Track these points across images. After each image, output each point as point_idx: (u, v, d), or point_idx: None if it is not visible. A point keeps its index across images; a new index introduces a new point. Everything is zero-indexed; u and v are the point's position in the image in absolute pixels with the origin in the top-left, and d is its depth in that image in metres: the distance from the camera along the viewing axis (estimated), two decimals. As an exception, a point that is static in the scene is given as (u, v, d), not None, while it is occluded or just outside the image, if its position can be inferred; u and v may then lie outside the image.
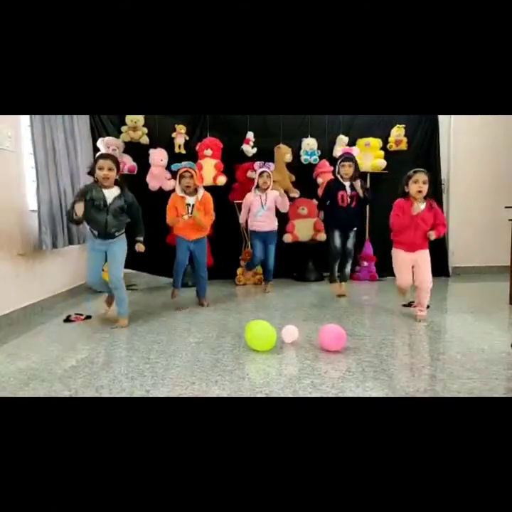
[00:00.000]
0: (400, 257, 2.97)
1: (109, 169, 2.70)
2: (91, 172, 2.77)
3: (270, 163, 4.05)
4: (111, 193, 2.76)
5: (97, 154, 2.98)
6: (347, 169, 3.58)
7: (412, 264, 2.94)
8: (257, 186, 3.93)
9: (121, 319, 2.90)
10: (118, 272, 2.84)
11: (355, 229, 3.81)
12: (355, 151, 4.11)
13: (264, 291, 4.14)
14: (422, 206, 2.84)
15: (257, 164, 4.09)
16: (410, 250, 2.91)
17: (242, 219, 4.17)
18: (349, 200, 3.62)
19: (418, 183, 2.80)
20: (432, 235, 2.83)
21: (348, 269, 3.86)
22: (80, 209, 2.67)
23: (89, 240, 2.93)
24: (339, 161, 3.69)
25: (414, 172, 2.85)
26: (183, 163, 3.31)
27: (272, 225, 3.98)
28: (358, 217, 3.82)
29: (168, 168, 4.46)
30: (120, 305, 2.91)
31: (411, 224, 2.84)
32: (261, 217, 3.92)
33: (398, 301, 3.22)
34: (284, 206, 3.95)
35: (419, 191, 2.80)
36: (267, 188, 3.90)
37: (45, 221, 3.24)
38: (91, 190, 2.75)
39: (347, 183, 3.62)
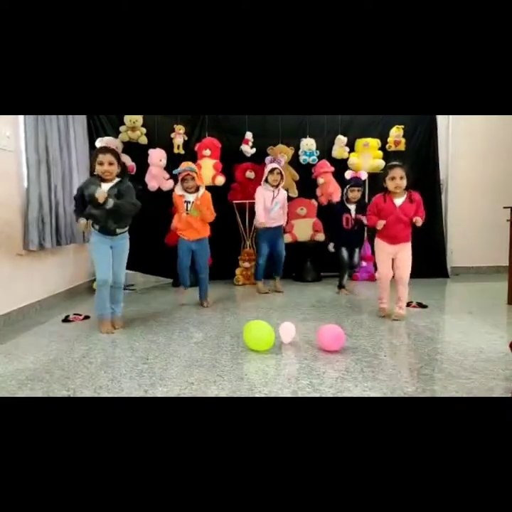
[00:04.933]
0: (381, 248, 2.99)
1: (110, 164, 2.59)
2: (92, 170, 2.72)
3: (281, 159, 4.02)
4: (107, 186, 2.63)
5: (96, 148, 2.91)
6: (356, 194, 3.88)
7: (392, 256, 2.97)
8: (266, 181, 3.84)
9: (116, 321, 2.83)
10: (122, 272, 2.80)
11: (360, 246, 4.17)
12: (363, 175, 4.21)
13: (274, 289, 4.13)
14: (402, 199, 2.88)
15: (268, 159, 4.06)
16: (393, 243, 2.93)
17: (259, 216, 3.86)
18: (353, 222, 3.92)
19: (395, 180, 2.82)
20: (419, 221, 2.86)
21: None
22: (82, 227, 2.68)
23: (93, 234, 2.73)
24: (348, 186, 3.92)
25: (391, 168, 2.86)
26: (184, 167, 3.30)
27: (281, 220, 3.99)
28: (361, 237, 4.15)
29: (166, 168, 4.47)
30: (118, 304, 2.86)
31: (393, 219, 2.86)
32: (274, 214, 3.87)
33: (380, 314, 3.06)
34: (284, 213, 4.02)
35: (397, 187, 2.83)
36: (278, 185, 3.85)
37: (34, 221, 3.21)
38: (88, 186, 2.62)
39: (352, 207, 3.90)
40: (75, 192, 3.85)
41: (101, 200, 2.54)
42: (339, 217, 3.96)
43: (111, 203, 2.57)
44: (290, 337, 2.41)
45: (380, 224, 2.88)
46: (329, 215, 4.35)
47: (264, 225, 3.87)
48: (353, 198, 3.89)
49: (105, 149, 2.67)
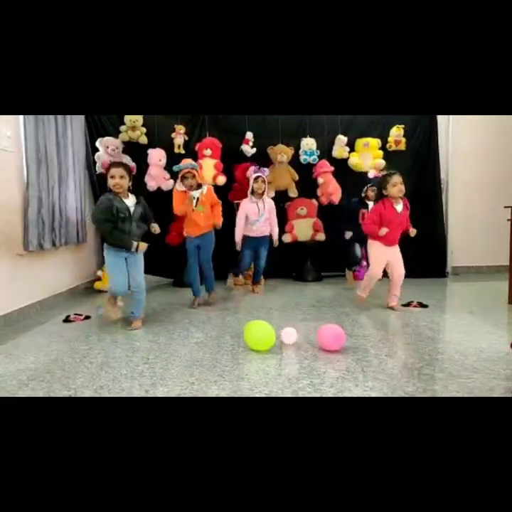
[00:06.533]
0: (378, 249, 3.15)
1: (121, 177, 2.66)
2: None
3: (265, 169, 4.05)
4: (131, 202, 2.76)
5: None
6: (376, 193, 4.02)
7: (387, 258, 3.14)
8: (252, 191, 3.85)
9: (137, 321, 2.87)
10: (141, 277, 2.85)
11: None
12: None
13: (252, 291, 4.10)
14: (401, 206, 3.07)
15: (251, 169, 4.08)
16: (389, 245, 3.11)
17: (238, 234, 3.89)
18: None
19: (398, 185, 2.98)
20: (414, 232, 3.11)
21: None
22: (143, 248, 2.80)
23: (108, 248, 2.79)
24: (369, 185, 4.18)
25: (391, 175, 3.02)
26: (185, 164, 3.29)
27: (266, 231, 3.96)
28: None
29: (166, 168, 4.47)
30: (138, 307, 2.89)
31: (394, 225, 3.03)
32: (258, 226, 3.87)
33: (360, 303, 3.31)
34: (273, 224, 3.96)
35: (400, 191, 3.00)
36: (263, 192, 3.84)
37: (33, 221, 3.22)
38: (113, 202, 2.66)
39: (371, 203, 4.05)
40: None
41: (157, 231, 2.92)
42: (356, 212, 4.16)
43: (144, 246, 2.82)
44: (291, 342, 2.40)
45: (383, 231, 3.00)
46: (346, 210, 4.50)
47: (238, 244, 3.93)
48: (372, 196, 4.07)
49: (117, 164, 2.75)
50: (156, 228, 2.92)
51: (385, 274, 3.22)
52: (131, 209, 2.74)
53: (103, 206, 2.67)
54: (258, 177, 3.81)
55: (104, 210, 2.66)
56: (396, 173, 3.03)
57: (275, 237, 3.99)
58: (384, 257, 3.13)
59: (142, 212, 2.82)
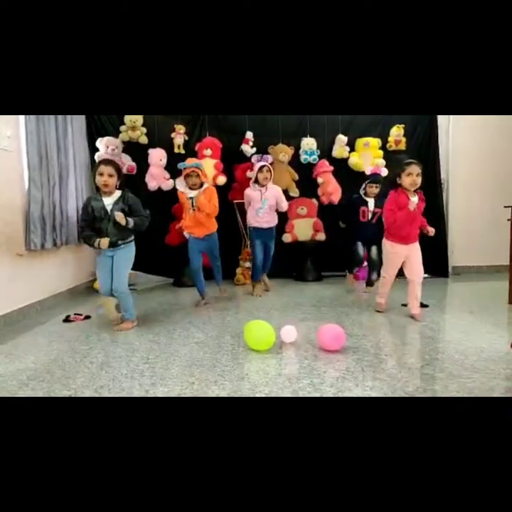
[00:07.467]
0: (393, 249, 2.93)
1: (110, 176, 2.60)
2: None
3: (268, 156, 3.97)
4: (111, 200, 2.66)
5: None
6: (373, 190, 3.90)
7: (404, 258, 2.92)
8: (256, 181, 3.77)
9: (126, 322, 2.83)
10: (121, 282, 2.73)
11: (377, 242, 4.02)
12: (383, 171, 4.32)
13: (252, 294, 3.97)
14: (416, 199, 2.84)
15: (254, 158, 4.00)
16: (406, 243, 2.89)
17: (249, 217, 3.90)
18: (370, 215, 3.91)
19: (412, 176, 2.76)
20: (432, 231, 2.90)
21: (374, 275, 4.01)
22: (104, 244, 2.64)
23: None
24: (367, 181, 3.95)
25: (408, 164, 2.79)
26: (190, 163, 3.28)
27: (273, 221, 3.88)
28: (378, 232, 3.89)
29: (166, 168, 4.47)
30: (125, 310, 2.83)
31: (408, 218, 2.81)
32: (262, 213, 3.78)
33: (377, 308, 3.18)
34: (283, 207, 3.91)
35: (413, 183, 2.77)
36: (268, 183, 3.76)
37: (35, 221, 3.23)
38: (90, 201, 2.68)
39: (370, 200, 3.90)
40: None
41: (123, 222, 2.62)
42: (356, 209, 3.94)
43: (131, 222, 2.66)
44: (291, 340, 2.41)
45: (412, 204, 2.77)
46: (346, 207, 4.28)
47: (252, 224, 3.86)
48: (371, 193, 3.91)
49: (107, 161, 2.68)
50: (119, 215, 2.63)
51: (399, 273, 3.03)
52: (109, 207, 2.65)
53: (82, 205, 2.77)
54: (263, 166, 3.71)
55: (82, 209, 2.76)
56: (415, 162, 2.79)
57: (284, 206, 3.91)
58: (399, 258, 2.91)
59: (124, 209, 2.67)
